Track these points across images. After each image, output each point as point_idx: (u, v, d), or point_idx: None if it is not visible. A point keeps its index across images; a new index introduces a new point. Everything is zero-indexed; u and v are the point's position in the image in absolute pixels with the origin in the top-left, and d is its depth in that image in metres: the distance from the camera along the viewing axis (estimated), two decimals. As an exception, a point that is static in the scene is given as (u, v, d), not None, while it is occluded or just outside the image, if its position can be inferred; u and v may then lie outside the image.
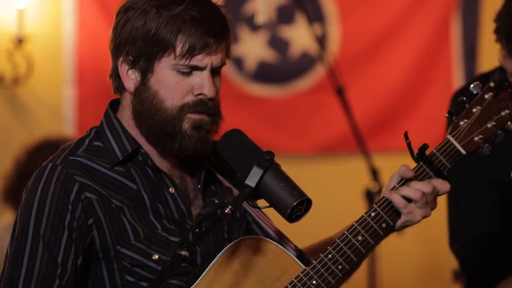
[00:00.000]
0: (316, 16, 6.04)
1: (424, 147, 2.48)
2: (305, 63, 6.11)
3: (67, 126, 5.84)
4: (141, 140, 2.54)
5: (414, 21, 6.11)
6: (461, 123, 2.51)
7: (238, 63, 6.07)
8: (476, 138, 2.51)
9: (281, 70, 6.10)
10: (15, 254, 2.41)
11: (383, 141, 6.05)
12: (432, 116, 6.02)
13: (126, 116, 2.56)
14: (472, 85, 2.53)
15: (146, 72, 2.49)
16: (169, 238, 2.48)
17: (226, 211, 2.27)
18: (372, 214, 2.46)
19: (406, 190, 2.45)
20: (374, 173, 4.95)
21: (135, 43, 2.47)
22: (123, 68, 2.51)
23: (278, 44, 6.10)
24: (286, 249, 2.50)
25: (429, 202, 2.47)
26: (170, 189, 2.53)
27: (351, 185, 5.61)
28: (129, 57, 2.49)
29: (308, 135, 6.13)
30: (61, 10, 5.94)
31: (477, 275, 3.17)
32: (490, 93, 2.52)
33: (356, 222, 2.46)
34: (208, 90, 2.47)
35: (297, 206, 2.36)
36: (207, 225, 2.28)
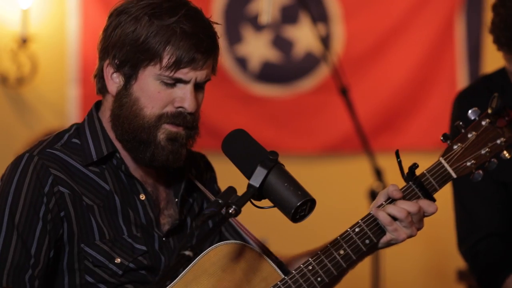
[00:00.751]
0: (320, 16, 6.04)
1: (414, 166, 2.49)
2: (309, 63, 6.10)
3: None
4: (118, 144, 2.55)
5: (418, 21, 6.10)
6: (455, 147, 2.51)
7: (242, 63, 6.07)
8: (468, 163, 2.50)
9: (285, 70, 6.10)
10: None
11: (387, 141, 6.05)
12: (436, 116, 6.01)
13: (105, 118, 2.57)
14: (470, 111, 2.53)
15: (130, 78, 2.49)
16: (134, 245, 2.49)
17: (230, 211, 2.27)
18: (357, 230, 2.46)
19: (392, 209, 2.44)
20: (378, 173, 4.95)
21: (123, 48, 2.48)
22: (108, 71, 2.53)
23: (282, 44, 6.10)
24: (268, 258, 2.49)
25: (415, 222, 2.46)
26: (141, 196, 2.53)
27: (355, 185, 5.61)
28: (116, 61, 2.50)
29: (312, 135, 6.13)
30: (65, 10, 5.94)
31: (486, 275, 3.17)
32: (487, 120, 2.52)
33: (340, 236, 2.46)
34: (189, 105, 2.47)
35: (301, 206, 2.35)
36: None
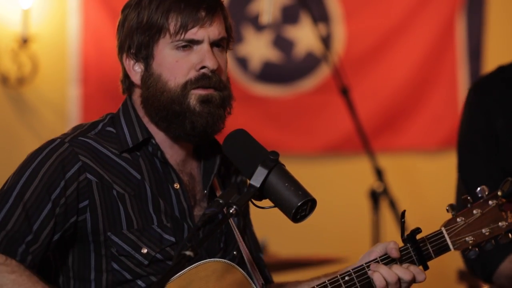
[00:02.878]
0: (320, 16, 6.04)
1: (416, 231, 2.52)
2: (310, 63, 6.11)
3: (72, 126, 5.85)
4: (154, 131, 2.55)
5: (419, 21, 6.11)
6: (459, 219, 2.55)
7: (243, 63, 6.08)
8: (467, 239, 2.55)
9: (285, 70, 6.11)
10: None
11: (388, 141, 6.05)
12: (437, 116, 6.02)
13: (138, 108, 2.58)
14: (478, 189, 2.58)
15: (147, 59, 2.52)
16: (163, 235, 2.48)
17: (231, 211, 2.27)
18: (346, 278, 2.48)
19: (385, 271, 2.46)
20: (379, 173, 4.95)
21: (134, 35, 2.51)
22: (128, 64, 2.55)
23: (282, 44, 6.11)
24: (253, 282, 2.50)
25: None
26: (175, 185, 2.54)
27: (356, 185, 5.61)
28: (132, 51, 2.53)
29: (312, 135, 6.13)
30: (66, 10, 5.95)
31: (479, 263, 3.18)
32: (495, 201, 2.57)
33: (328, 280, 2.48)
34: (209, 61, 2.48)
35: (302, 206, 2.35)
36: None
